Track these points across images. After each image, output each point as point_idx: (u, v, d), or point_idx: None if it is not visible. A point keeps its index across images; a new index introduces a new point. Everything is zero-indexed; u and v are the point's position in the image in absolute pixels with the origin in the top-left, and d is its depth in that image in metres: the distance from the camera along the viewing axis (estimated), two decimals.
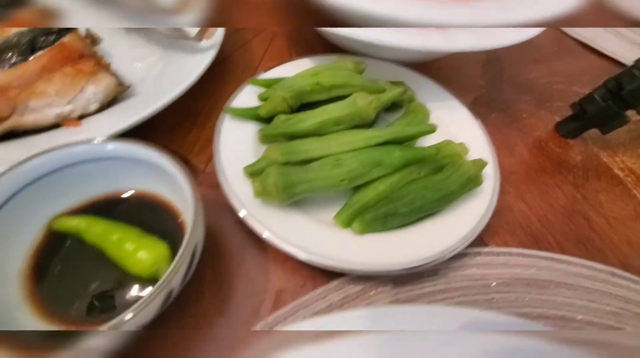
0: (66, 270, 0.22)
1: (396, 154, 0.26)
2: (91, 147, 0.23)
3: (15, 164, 0.22)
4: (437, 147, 0.27)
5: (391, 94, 0.29)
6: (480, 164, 0.27)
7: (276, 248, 0.24)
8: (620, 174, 0.35)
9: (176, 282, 0.19)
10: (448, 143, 0.28)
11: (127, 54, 0.35)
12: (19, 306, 0.20)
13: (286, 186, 0.24)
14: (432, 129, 0.26)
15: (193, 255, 0.21)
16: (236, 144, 0.29)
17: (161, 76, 0.32)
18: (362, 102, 0.27)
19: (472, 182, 0.26)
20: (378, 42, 0.28)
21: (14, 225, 0.22)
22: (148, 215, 0.24)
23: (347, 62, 0.31)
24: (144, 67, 0.34)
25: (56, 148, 0.22)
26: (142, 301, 0.17)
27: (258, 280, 0.25)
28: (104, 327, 0.16)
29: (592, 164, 0.36)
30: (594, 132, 0.36)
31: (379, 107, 0.28)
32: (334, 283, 0.26)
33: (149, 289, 0.21)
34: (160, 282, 0.18)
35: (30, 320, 0.20)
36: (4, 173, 0.21)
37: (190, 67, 0.31)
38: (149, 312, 0.18)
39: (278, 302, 0.25)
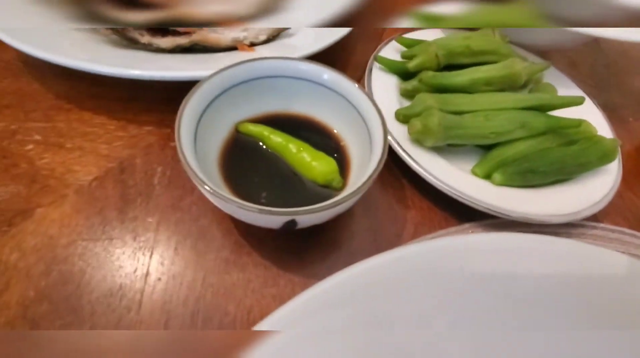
0: (251, 163, 0.25)
1: (541, 119, 0.28)
2: (285, 63, 0.26)
3: (220, 69, 0.25)
4: (579, 120, 0.29)
5: (540, 65, 0.31)
6: (615, 142, 0.29)
7: (416, 186, 0.27)
8: None
9: (365, 189, 0.21)
10: (584, 120, 0.30)
11: None
12: (220, 183, 0.23)
13: (447, 127, 0.26)
14: (580, 101, 0.28)
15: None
16: (382, 91, 0.31)
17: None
18: (518, 67, 0.29)
19: (609, 156, 0.28)
20: None
21: (215, 120, 0.25)
22: (316, 135, 0.27)
23: (495, 32, 0.33)
24: None
25: (255, 59, 0.25)
26: (342, 196, 0.20)
27: (399, 212, 0.28)
28: (299, 210, 0.19)
29: None
30: None
31: (530, 75, 0.30)
32: (465, 225, 0.28)
33: (327, 193, 0.24)
34: (361, 185, 0.20)
35: (229, 195, 0.23)
36: (215, 74, 0.24)
37: None
38: (341, 209, 0.21)
39: (417, 233, 0.27)
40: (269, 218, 0.19)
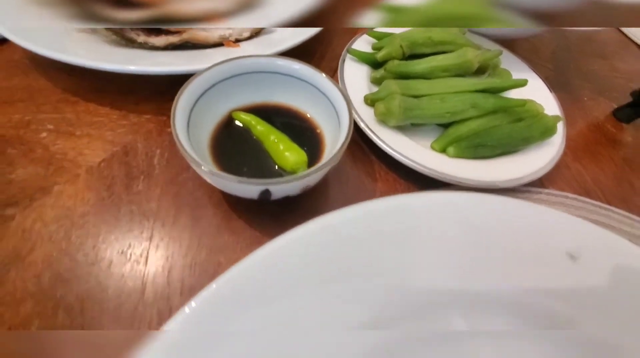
0: (235, 145, 0.29)
1: (490, 100, 0.32)
2: (265, 59, 0.30)
3: (212, 65, 0.28)
4: (523, 100, 0.33)
5: (491, 52, 0.35)
6: (557, 118, 0.33)
7: (383, 161, 0.31)
8: None
9: (331, 165, 0.25)
10: (530, 100, 0.34)
11: None
12: (209, 161, 0.27)
13: (407, 109, 0.31)
14: (524, 83, 0.32)
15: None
16: (354, 79, 0.35)
17: None
18: (471, 55, 0.33)
19: (550, 131, 0.32)
20: None
21: (207, 108, 0.29)
22: (295, 123, 0.31)
23: None
24: None
25: (240, 57, 0.29)
26: (310, 170, 0.24)
27: (368, 184, 0.32)
28: (276, 180, 0.23)
29: None
30: None
31: (481, 62, 0.34)
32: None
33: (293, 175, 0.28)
34: (326, 161, 0.24)
35: (215, 169, 0.27)
36: (205, 70, 0.28)
37: None
38: (309, 181, 0.25)
39: None
40: (247, 187, 0.23)
